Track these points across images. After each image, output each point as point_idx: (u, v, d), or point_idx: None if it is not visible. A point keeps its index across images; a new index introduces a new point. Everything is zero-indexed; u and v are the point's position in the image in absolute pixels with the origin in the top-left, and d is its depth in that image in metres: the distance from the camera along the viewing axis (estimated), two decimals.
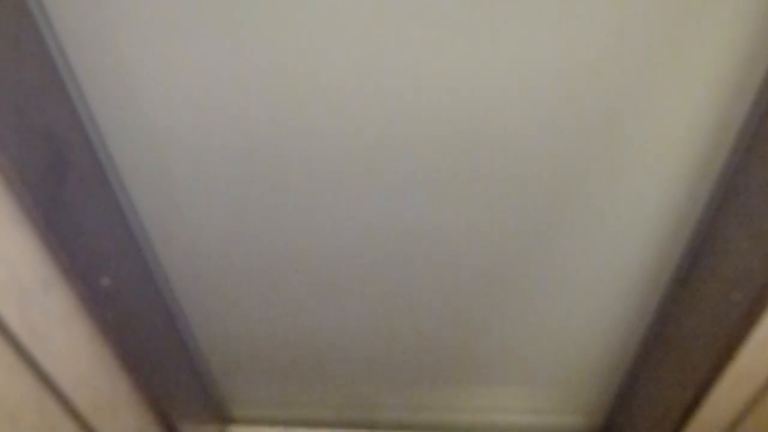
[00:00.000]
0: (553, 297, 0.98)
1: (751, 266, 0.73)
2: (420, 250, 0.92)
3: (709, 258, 0.82)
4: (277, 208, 0.87)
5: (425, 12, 0.65)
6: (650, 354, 1.02)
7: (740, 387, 0.86)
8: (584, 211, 0.84)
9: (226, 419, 1.37)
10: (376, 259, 0.94)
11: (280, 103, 0.75)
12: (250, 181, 0.84)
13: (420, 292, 1.00)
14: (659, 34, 0.65)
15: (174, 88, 0.74)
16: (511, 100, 0.72)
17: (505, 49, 0.68)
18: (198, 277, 1.01)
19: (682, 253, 0.88)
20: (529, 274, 0.95)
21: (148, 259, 0.95)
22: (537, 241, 0.89)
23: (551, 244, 0.90)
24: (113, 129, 0.79)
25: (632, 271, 0.92)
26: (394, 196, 0.84)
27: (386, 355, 1.14)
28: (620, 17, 0.64)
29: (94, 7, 0.68)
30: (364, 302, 1.03)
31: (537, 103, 0.72)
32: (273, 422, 1.35)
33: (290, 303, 1.05)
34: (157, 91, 0.75)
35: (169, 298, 1.03)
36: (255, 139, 0.79)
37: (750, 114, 0.71)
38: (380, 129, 0.76)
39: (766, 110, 0.68)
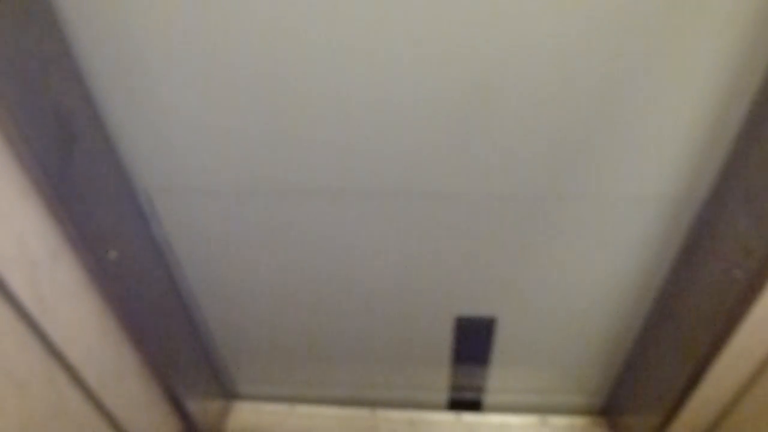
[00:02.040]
0: (556, 277, 0.99)
1: (751, 244, 0.74)
2: (426, 224, 0.93)
3: (710, 236, 0.83)
4: (284, 180, 0.88)
5: None
6: (651, 332, 1.02)
7: (740, 363, 0.86)
8: (588, 191, 0.85)
9: (231, 395, 1.38)
10: (385, 234, 0.95)
11: (289, 74, 0.75)
12: (258, 149, 0.84)
13: (423, 269, 1.00)
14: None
15: (181, 62, 0.75)
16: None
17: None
18: (205, 252, 1.02)
19: (684, 231, 0.88)
20: (532, 253, 0.96)
21: (155, 233, 0.96)
22: (540, 218, 0.90)
23: (553, 223, 0.90)
24: (120, 103, 0.80)
25: (634, 251, 0.92)
26: (402, 171, 0.85)
27: (392, 334, 1.15)
28: None
29: None
30: (370, 280, 1.04)
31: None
32: (277, 399, 1.36)
33: (296, 280, 1.05)
34: (164, 65, 0.75)
35: (177, 273, 1.04)
36: (264, 103, 0.79)
37: (753, 96, 0.71)
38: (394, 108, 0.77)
39: None
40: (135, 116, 0.81)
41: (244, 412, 1.35)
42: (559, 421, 1.27)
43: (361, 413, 1.31)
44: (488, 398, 1.28)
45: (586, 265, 0.96)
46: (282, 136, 0.82)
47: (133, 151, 0.86)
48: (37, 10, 0.67)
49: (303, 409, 1.33)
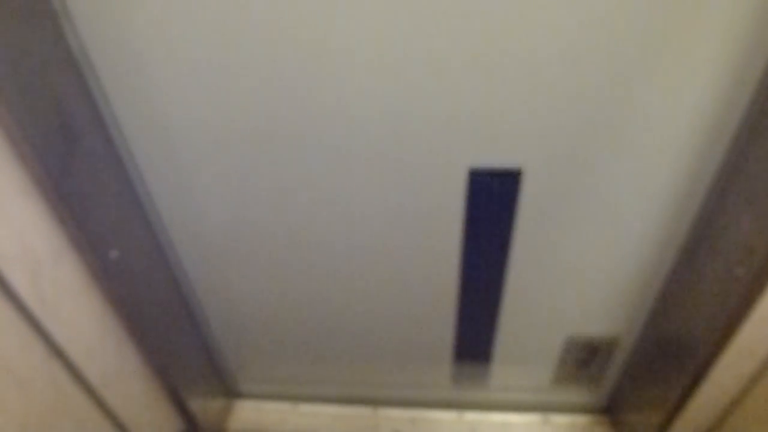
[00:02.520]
0: (558, 277, 0.99)
1: (753, 243, 0.73)
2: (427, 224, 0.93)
3: (712, 234, 0.82)
4: (284, 179, 0.88)
5: None
6: (653, 331, 1.02)
7: (742, 362, 0.86)
8: (592, 196, 0.85)
9: (234, 394, 1.38)
10: (385, 231, 0.95)
11: (286, 71, 0.75)
12: (257, 152, 0.84)
13: (425, 268, 1.00)
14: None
15: (183, 61, 0.75)
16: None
17: None
18: (207, 252, 1.02)
19: (686, 230, 0.88)
20: (535, 252, 0.96)
21: (156, 232, 0.96)
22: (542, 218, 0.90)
23: (555, 222, 0.90)
24: (122, 102, 0.80)
25: (636, 250, 0.92)
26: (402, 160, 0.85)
27: (393, 332, 1.15)
28: None
29: None
30: (371, 278, 1.04)
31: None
32: (279, 398, 1.36)
33: (298, 280, 1.05)
34: (166, 65, 0.75)
35: (178, 272, 1.04)
36: (261, 110, 0.79)
37: (754, 94, 0.71)
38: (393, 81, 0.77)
39: None
40: (137, 116, 0.81)
41: (245, 410, 1.35)
42: (561, 419, 1.27)
43: (362, 411, 1.32)
44: (491, 396, 1.28)
45: (587, 262, 0.96)
46: (283, 134, 0.82)
47: (134, 150, 0.86)
48: (39, 9, 0.67)
49: (305, 408, 1.34)
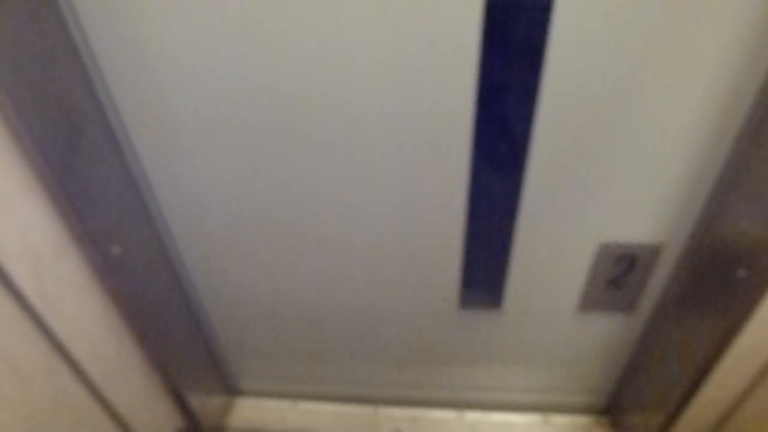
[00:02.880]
0: (560, 277, 0.99)
1: (757, 244, 0.73)
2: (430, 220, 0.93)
3: (715, 235, 0.82)
4: (287, 174, 0.88)
5: None
6: (655, 332, 1.02)
7: (745, 364, 0.86)
8: (595, 195, 0.85)
9: (234, 391, 1.38)
10: (388, 230, 0.95)
11: (287, 67, 0.75)
12: (260, 148, 0.84)
13: (425, 266, 1.00)
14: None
15: (186, 58, 0.75)
16: None
17: None
18: (208, 249, 1.02)
19: (689, 230, 0.88)
20: (533, 253, 0.95)
21: (158, 228, 0.96)
22: (543, 218, 0.90)
23: (556, 223, 0.90)
24: (125, 98, 0.80)
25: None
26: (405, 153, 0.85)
27: (394, 332, 1.15)
28: None
29: None
30: (373, 277, 1.04)
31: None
32: (279, 395, 1.36)
33: (299, 278, 1.05)
34: (169, 61, 0.75)
35: (180, 269, 1.05)
36: (265, 106, 0.79)
37: (757, 95, 0.71)
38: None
39: None
40: (139, 112, 0.81)
41: (246, 408, 1.35)
42: (561, 419, 1.27)
43: (363, 410, 1.32)
44: (491, 397, 1.28)
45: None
46: (285, 133, 0.82)
47: (137, 146, 0.86)
48: (43, 5, 0.67)
49: (305, 406, 1.34)
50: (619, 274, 0.97)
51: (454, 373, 1.23)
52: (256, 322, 1.18)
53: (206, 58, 0.74)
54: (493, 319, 1.10)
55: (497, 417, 1.28)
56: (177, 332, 1.06)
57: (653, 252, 0.92)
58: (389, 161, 0.85)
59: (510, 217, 0.91)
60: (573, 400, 1.26)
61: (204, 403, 1.19)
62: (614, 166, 0.82)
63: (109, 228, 0.82)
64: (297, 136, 0.82)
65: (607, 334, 1.10)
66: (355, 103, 0.77)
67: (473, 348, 1.17)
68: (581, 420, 1.26)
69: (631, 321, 1.06)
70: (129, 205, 0.87)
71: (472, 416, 1.28)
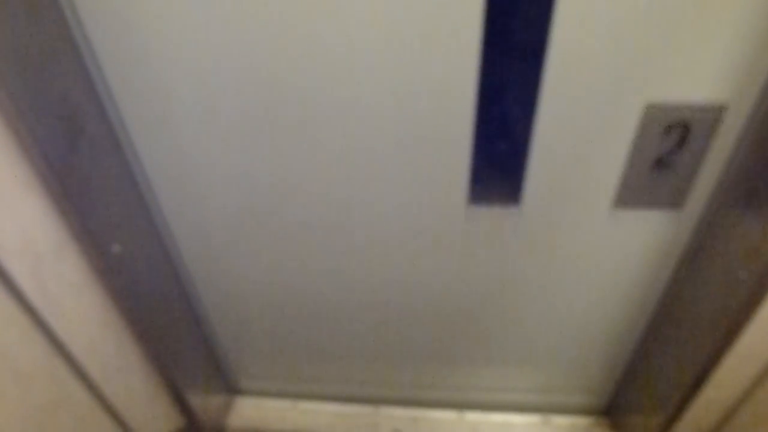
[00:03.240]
0: (560, 276, 0.99)
1: (757, 245, 0.73)
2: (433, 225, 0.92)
3: (715, 237, 0.82)
4: (286, 173, 0.88)
5: None
6: (656, 333, 1.02)
7: (745, 365, 0.86)
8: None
9: (234, 390, 1.38)
10: (390, 230, 0.95)
11: (287, 65, 0.75)
12: (260, 146, 0.84)
13: (429, 268, 1.00)
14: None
15: (186, 57, 0.75)
16: None
17: None
18: (208, 248, 1.02)
19: (690, 232, 0.88)
20: (538, 253, 0.95)
21: (158, 227, 0.96)
22: (543, 220, 0.89)
23: (557, 224, 0.90)
24: (126, 96, 0.80)
25: (640, 250, 0.92)
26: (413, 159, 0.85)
27: (395, 332, 1.15)
28: None
29: None
30: (376, 277, 1.04)
31: None
32: (279, 395, 1.36)
33: (300, 277, 1.05)
34: (169, 60, 0.75)
35: (180, 268, 1.05)
36: (265, 104, 0.79)
37: (757, 99, 0.71)
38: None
39: None
40: (140, 110, 0.81)
41: (246, 407, 1.36)
42: (561, 420, 1.27)
43: (363, 410, 1.32)
44: (492, 397, 1.28)
45: (590, 264, 0.95)
46: (283, 130, 0.82)
47: (137, 144, 0.86)
48: (44, 3, 0.67)
49: (305, 405, 1.34)
50: (667, 151, 0.77)
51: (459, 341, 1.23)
52: (256, 321, 1.18)
53: (206, 56, 0.74)
54: (509, 219, 0.91)
55: (497, 417, 1.28)
56: (177, 331, 1.06)
57: (712, 118, 0.73)
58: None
59: (532, 74, 0.72)
60: (573, 400, 1.26)
61: (204, 403, 1.19)
62: None
63: (109, 226, 0.82)
64: (297, 132, 0.82)
65: (645, 240, 0.90)
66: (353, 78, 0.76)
67: (483, 265, 0.99)
68: (581, 421, 1.26)
69: (676, 223, 0.86)
70: (129, 203, 0.87)
71: (472, 416, 1.28)
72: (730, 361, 0.85)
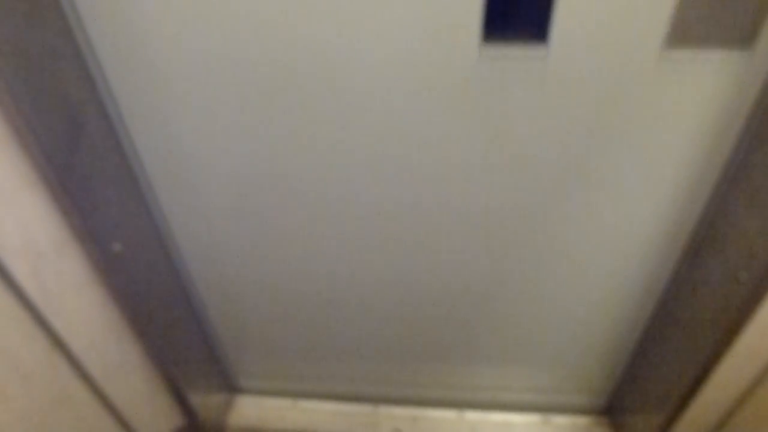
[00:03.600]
0: (562, 277, 0.99)
1: (757, 246, 0.73)
2: (435, 223, 0.92)
3: (715, 238, 0.82)
4: (285, 172, 0.88)
5: None
6: (655, 333, 1.02)
7: (745, 365, 0.86)
8: (596, 190, 0.84)
9: (234, 389, 1.38)
10: (390, 232, 0.95)
11: (286, 64, 0.75)
12: (259, 145, 0.84)
13: (431, 268, 1.00)
14: None
15: (187, 54, 0.75)
16: None
17: None
18: (208, 246, 1.02)
19: (690, 233, 0.88)
20: (539, 252, 0.95)
21: (159, 226, 0.96)
22: (547, 219, 0.89)
23: (561, 226, 0.90)
24: (126, 95, 0.80)
25: (640, 251, 0.92)
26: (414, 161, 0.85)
27: (395, 331, 1.15)
28: None
29: None
30: (375, 276, 1.04)
31: None
32: (280, 394, 1.36)
33: (300, 276, 1.05)
34: (170, 57, 0.75)
35: (180, 266, 1.05)
36: (264, 103, 0.79)
37: (756, 100, 0.71)
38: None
39: None
40: (140, 109, 0.81)
41: (246, 406, 1.36)
42: (561, 420, 1.27)
43: (363, 409, 1.32)
44: (492, 397, 1.28)
45: (590, 265, 0.95)
46: (284, 131, 0.82)
47: (137, 143, 0.86)
48: (45, 3, 0.67)
49: (305, 404, 1.34)
50: None
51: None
52: (256, 320, 1.18)
53: (206, 55, 0.74)
54: (532, 63, 0.71)
55: (497, 417, 1.28)
56: (177, 330, 1.06)
57: None
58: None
59: None
60: (573, 400, 1.26)
61: (204, 401, 1.19)
62: None
63: (110, 225, 0.82)
64: (297, 131, 0.82)
65: (704, 89, 0.69)
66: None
67: (496, 138, 0.79)
68: (581, 420, 1.26)
69: (743, 69, 0.67)
70: (129, 202, 0.87)
71: (472, 416, 1.28)
72: (730, 360, 0.85)
